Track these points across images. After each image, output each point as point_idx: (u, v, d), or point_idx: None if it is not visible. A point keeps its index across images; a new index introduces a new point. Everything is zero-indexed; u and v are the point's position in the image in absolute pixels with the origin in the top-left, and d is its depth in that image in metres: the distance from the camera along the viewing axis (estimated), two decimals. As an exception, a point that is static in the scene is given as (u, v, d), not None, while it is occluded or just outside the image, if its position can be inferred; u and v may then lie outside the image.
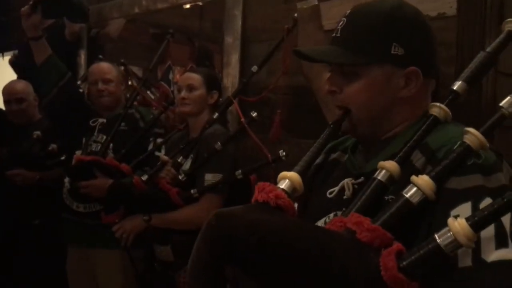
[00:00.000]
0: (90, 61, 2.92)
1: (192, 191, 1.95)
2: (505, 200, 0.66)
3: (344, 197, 0.95)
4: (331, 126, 0.96)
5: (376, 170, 0.83)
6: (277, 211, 0.77)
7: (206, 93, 2.13)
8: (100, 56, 2.68)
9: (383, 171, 0.82)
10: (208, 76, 2.17)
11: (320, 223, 0.96)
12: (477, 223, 0.67)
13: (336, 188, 0.97)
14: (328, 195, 0.98)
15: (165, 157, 2.01)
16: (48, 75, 2.28)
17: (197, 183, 1.99)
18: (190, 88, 2.11)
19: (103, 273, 2.24)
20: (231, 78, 2.33)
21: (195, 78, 2.13)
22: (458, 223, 0.67)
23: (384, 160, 0.83)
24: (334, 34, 0.97)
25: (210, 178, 1.97)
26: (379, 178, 0.82)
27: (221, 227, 0.73)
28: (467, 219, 0.67)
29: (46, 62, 2.25)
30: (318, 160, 1.09)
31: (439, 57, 1.71)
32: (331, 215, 0.94)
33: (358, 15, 0.96)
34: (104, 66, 2.39)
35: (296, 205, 1.07)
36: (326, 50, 1.00)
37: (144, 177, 1.99)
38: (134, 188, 1.99)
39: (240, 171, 1.93)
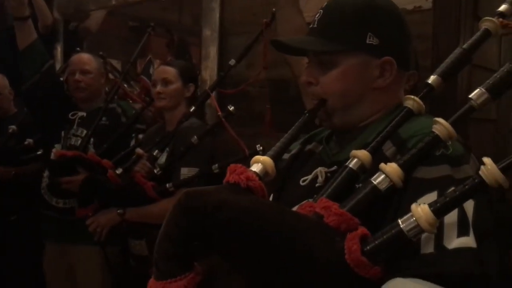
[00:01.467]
0: (67, 54, 2.87)
1: (167, 185, 1.93)
2: (466, 187, 0.68)
3: (317, 185, 0.96)
4: (306, 114, 0.97)
5: (348, 159, 0.85)
6: (247, 192, 0.77)
7: (182, 86, 2.11)
8: (78, 49, 2.63)
9: (355, 160, 0.84)
10: (183, 69, 2.14)
11: (295, 209, 0.97)
12: (439, 209, 0.68)
13: (309, 177, 0.99)
14: (301, 183, 0.99)
15: (140, 151, 1.99)
16: (31, 62, 2.19)
17: (173, 177, 1.97)
18: (165, 82, 2.09)
19: (82, 269, 2.21)
20: (209, 71, 2.32)
21: (170, 71, 2.10)
22: (420, 208, 0.68)
23: (357, 149, 0.85)
24: (311, 26, 0.99)
25: (186, 172, 1.95)
26: (350, 166, 0.83)
27: (190, 205, 0.74)
28: (429, 205, 0.69)
29: (31, 47, 2.16)
30: (294, 151, 1.10)
31: (416, 50, 1.73)
32: (304, 202, 0.95)
33: (335, 6, 0.98)
34: (84, 57, 2.34)
35: (271, 196, 1.10)
36: (303, 40, 1.02)
37: (119, 171, 1.97)
38: (108, 182, 1.96)
39: (216, 165, 1.92)
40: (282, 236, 0.72)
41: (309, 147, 1.10)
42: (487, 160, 0.66)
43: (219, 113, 2.02)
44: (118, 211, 1.94)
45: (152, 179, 1.95)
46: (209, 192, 0.76)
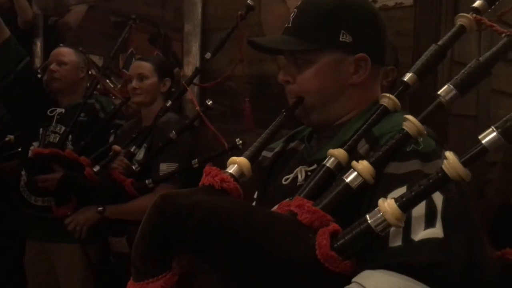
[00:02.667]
0: (48, 50, 2.82)
1: (147, 181, 1.92)
2: (431, 181, 0.69)
3: (298, 183, 0.97)
4: (284, 113, 0.99)
5: (327, 157, 0.87)
6: (221, 194, 0.79)
7: (158, 82, 2.10)
8: (61, 44, 2.59)
9: (332, 159, 0.86)
10: (159, 64, 2.13)
11: (274, 209, 0.97)
12: (405, 203, 0.70)
13: (291, 175, 1.00)
14: (283, 182, 1.01)
15: (117, 147, 1.96)
16: (5, 60, 2.17)
17: (151, 173, 1.95)
18: (141, 77, 2.07)
19: (62, 267, 2.19)
20: (191, 67, 2.29)
21: (145, 66, 2.09)
22: (387, 203, 0.70)
23: (335, 147, 0.87)
24: (286, 25, 1.01)
25: (165, 168, 1.94)
26: (327, 165, 0.86)
27: (165, 207, 0.76)
28: (396, 200, 0.70)
29: (4, 45, 2.14)
30: (277, 149, 1.12)
31: (398, 46, 1.74)
32: (282, 202, 0.95)
33: (308, 5, 1.00)
34: (64, 49, 2.33)
35: (255, 194, 1.11)
36: (278, 39, 1.03)
37: (96, 168, 1.94)
38: (86, 180, 1.93)
39: (196, 160, 1.91)
40: (256, 235, 0.74)
41: (292, 145, 1.12)
42: (449, 154, 0.68)
43: (197, 107, 2.00)
44: (98, 208, 1.92)
45: (131, 176, 1.93)
46: (183, 195, 0.78)
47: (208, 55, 2.05)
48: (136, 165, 1.96)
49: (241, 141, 1.85)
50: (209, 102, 1.96)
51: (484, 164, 1.90)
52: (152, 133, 2.00)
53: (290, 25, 0.99)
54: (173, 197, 0.77)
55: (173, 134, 1.93)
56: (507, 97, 2.32)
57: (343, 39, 0.95)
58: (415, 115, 0.83)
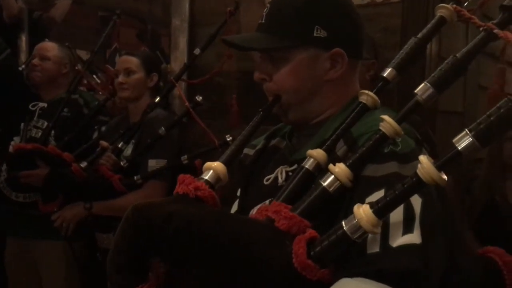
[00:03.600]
0: (32, 45, 2.78)
1: (135, 177, 1.89)
2: (405, 186, 0.68)
3: (279, 184, 0.96)
4: (261, 112, 0.97)
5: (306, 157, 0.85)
6: (196, 202, 0.78)
7: (145, 76, 2.07)
8: (46, 39, 2.56)
9: (311, 160, 0.84)
10: (146, 58, 2.11)
11: (253, 213, 0.96)
12: (380, 209, 0.68)
13: (272, 176, 0.99)
14: (265, 182, 1.00)
15: (105, 143, 1.93)
16: None
17: (140, 170, 1.93)
18: (128, 72, 2.05)
19: (45, 265, 2.15)
20: (179, 62, 2.27)
21: (132, 61, 2.06)
22: (362, 209, 0.68)
23: (315, 147, 0.85)
24: (260, 21, 0.98)
25: (154, 164, 1.92)
26: (306, 166, 0.84)
27: (138, 218, 0.75)
28: (370, 206, 0.69)
29: None
30: (259, 146, 1.10)
31: (385, 43, 1.73)
32: (267, 201, 0.95)
33: (281, 0, 0.97)
34: (47, 44, 2.30)
35: (239, 191, 1.10)
36: (252, 37, 1.00)
37: (83, 164, 1.91)
38: (73, 176, 1.90)
39: (186, 156, 1.89)
40: (232, 243, 0.73)
41: (273, 142, 1.10)
42: (423, 158, 0.67)
43: (186, 103, 1.98)
44: (85, 205, 1.90)
45: (118, 172, 1.91)
46: (156, 205, 0.76)
47: (197, 51, 2.03)
48: (124, 161, 1.94)
49: (231, 138, 1.83)
50: (199, 98, 1.93)
51: (470, 161, 1.91)
52: (141, 129, 1.98)
53: (263, 21, 0.97)
54: (145, 208, 0.76)
55: (162, 130, 1.91)
56: (494, 94, 2.33)
57: (318, 35, 0.92)
58: (395, 113, 0.81)
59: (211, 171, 0.84)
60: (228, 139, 1.84)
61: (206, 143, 1.99)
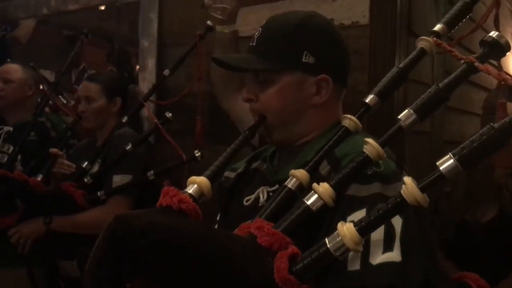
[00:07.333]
0: (-4, 65, 2.70)
1: (99, 193, 1.83)
2: (389, 205, 0.69)
3: (260, 204, 0.97)
4: (246, 132, 0.99)
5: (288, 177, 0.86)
6: (179, 215, 0.77)
7: (106, 103, 2.02)
8: (9, 60, 2.50)
9: (293, 179, 0.85)
10: (107, 83, 2.04)
11: (235, 231, 0.96)
12: (363, 227, 0.70)
13: (253, 196, 1.00)
14: (245, 203, 1.01)
15: (55, 150, 1.86)
16: None
17: (105, 185, 1.87)
18: (88, 99, 2.00)
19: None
20: (147, 83, 2.24)
21: (92, 88, 2.01)
22: (346, 227, 0.70)
23: (297, 167, 0.87)
24: (250, 43, 1.01)
25: (118, 179, 1.86)
26: (289, 186, 0.85)
27: (119, 229, 0.74)
28: (354, 224, 0.70)
29: None
30: (240, 170, 1.12)
31: (353, 65, 1.76)
32: (242, 224, 0.94)
33: (273, 24, 1.00)
34: (10, 66, 2.25)
35: (218, 215, 1.11)
36: (242, 58, 1.04)
37: (39, 177, 1.83)
38: (32, 190, 1.82)
39: (152, 171, 1.84)
40: (213, 257, 0.72)
41: (255, 165, 1.11)
42: (407, 179, 0.69)
43: (155, 120, 1.94)
44: (45, 219, 1.81)
45: (82, 188, 1.84)
46: (138, 216, 0.75)
47: (166, 72, 2.01)
48: (89, 178, 1.87)
49: (199, 153, 1.79)
50: (169, 115, 1.91)
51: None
52: (107, 146, 1.93)
53: (254, 44, 1.00)
54: (127, 218, 0.75)
55: (129, 146, 1.86)
56: (459, 114, 2.39)
57: (306, 60, 0.95)
58: (374, 137, 0.83)
59: (195, 185, 0.84)
60: (196, 155, 1.80)
61: (172, 159, 1.94)
